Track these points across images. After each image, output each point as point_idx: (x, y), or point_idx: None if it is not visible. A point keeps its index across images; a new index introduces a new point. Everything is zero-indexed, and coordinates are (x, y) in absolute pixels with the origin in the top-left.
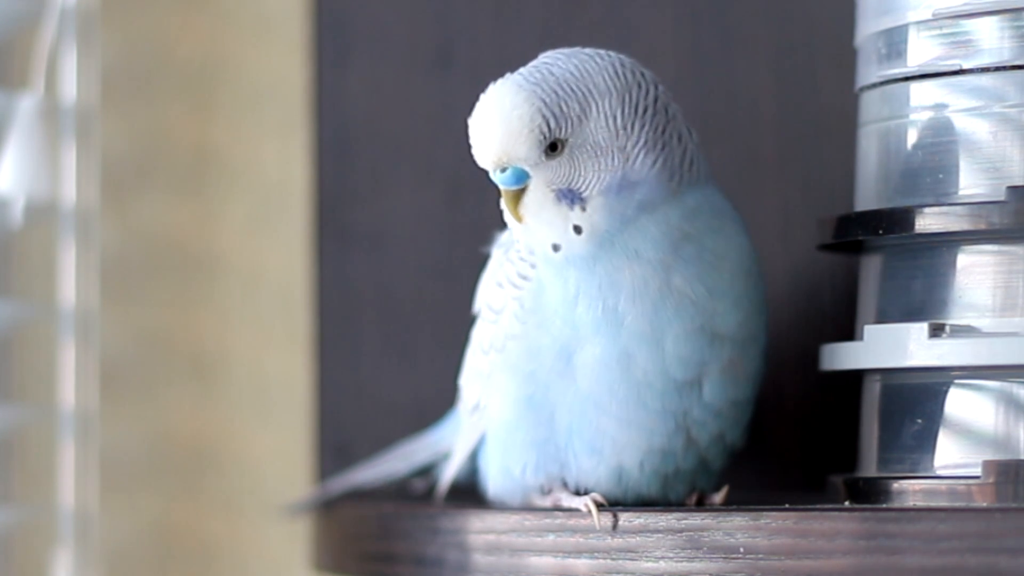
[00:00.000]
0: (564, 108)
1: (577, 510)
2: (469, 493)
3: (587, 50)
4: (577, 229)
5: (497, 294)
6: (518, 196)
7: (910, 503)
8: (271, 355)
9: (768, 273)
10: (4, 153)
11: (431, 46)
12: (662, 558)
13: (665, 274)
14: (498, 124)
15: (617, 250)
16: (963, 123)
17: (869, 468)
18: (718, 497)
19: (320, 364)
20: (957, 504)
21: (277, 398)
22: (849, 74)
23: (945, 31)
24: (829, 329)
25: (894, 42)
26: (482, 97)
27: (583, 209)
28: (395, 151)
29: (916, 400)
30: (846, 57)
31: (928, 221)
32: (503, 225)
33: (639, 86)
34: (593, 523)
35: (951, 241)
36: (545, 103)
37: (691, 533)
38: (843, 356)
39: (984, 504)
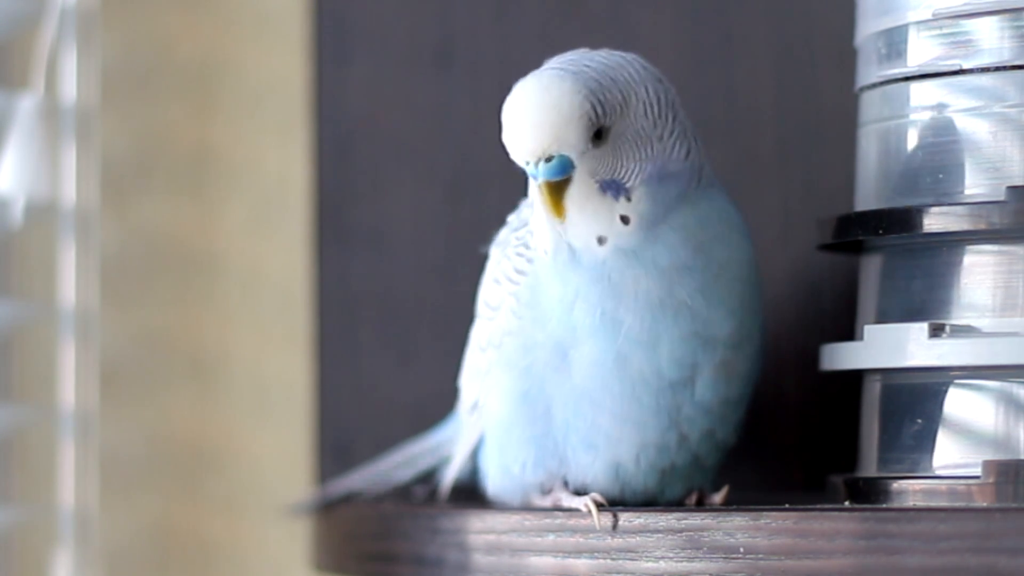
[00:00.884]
0: (608, 95)
1: (577, 510)
2: (470, 493)
3: (605, 50)
4: (624, 219)
5: (494, 291)
6: (559, 190)
7: (910, 503)
8: (271, 355)
9: (768, 273)
10: (4, 153)
11: (431, 46)
12: (662, 558)
13: (670, 285)
14: (547, 111)
15: (630, 258)
16: (963, 123)
17: (869, 468)
18: (718, 497)
19: (320, 364)
20: (957, 504)
21: (277, 398)
22: (849, 74)
23: (945, 31)
24: (829, 329)
25: (894, 42)
26: (517, 90)
27: (628, 199)
28: (395, 151)
29: (916, 400)
30: (846, 57)
31: (928, 221)
32: (503, 223)
33: (660, 82)
34: (593, 523)
35: (951, 241)
36: (591, 89)
37: (691, 533)
38: (843, 356)
39: (984, 504)
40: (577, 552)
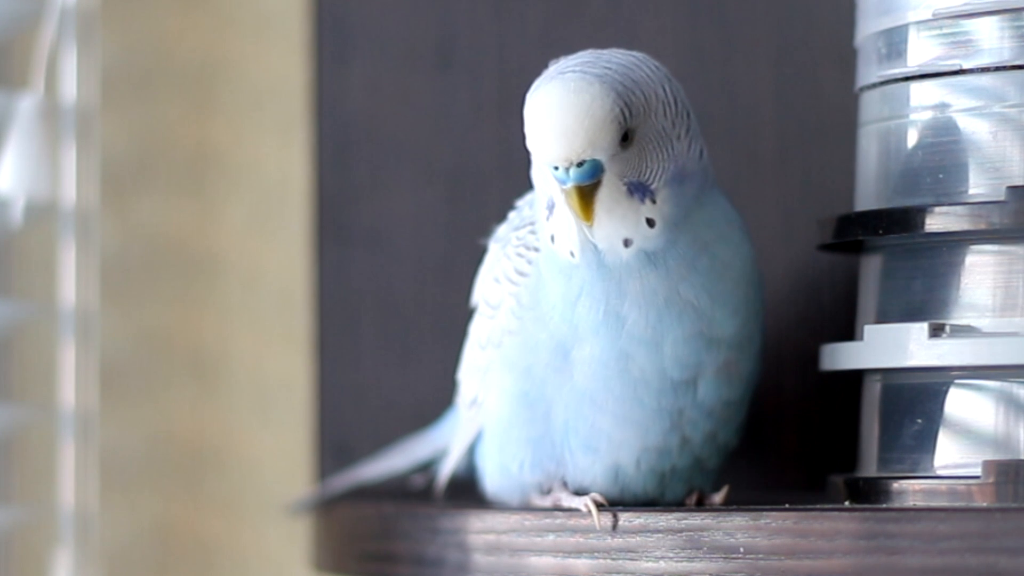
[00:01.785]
0: (633, 97)
1: (577, 510)
2: (469, 492)
3: (611, 50)
4: (650, 222)
5: (494, 289)
6: (589, 193)
7: (910, 503)
8: (271, 355)
9: (768, 273)
10: (4, 153)
11: (431, 46)
12: (662, 558)
13: (675, 284)
14: (580, 116)
15: (644, 257)
16: (963, 123)
17: (869, 468)
18: (718, 497)
19: (320, 364)
20: (957, 504)
21: (277, 398)
22: (849, 74)
23: (945, 31)
24: (829, 329)
25: (894, 42)
26: (543, 93)
27: (653, 201)
28: (395, 151)
29: (916, 400)
30: (846, 57)
31: (928, 221)
32: (502, 222)
33: (670, 80)
34: (593, 523)
35: (951, 241)
36: (618, 92)
37: (691, 533)
38: (843, 356)
39: (984, 504)
40: (577, 552)
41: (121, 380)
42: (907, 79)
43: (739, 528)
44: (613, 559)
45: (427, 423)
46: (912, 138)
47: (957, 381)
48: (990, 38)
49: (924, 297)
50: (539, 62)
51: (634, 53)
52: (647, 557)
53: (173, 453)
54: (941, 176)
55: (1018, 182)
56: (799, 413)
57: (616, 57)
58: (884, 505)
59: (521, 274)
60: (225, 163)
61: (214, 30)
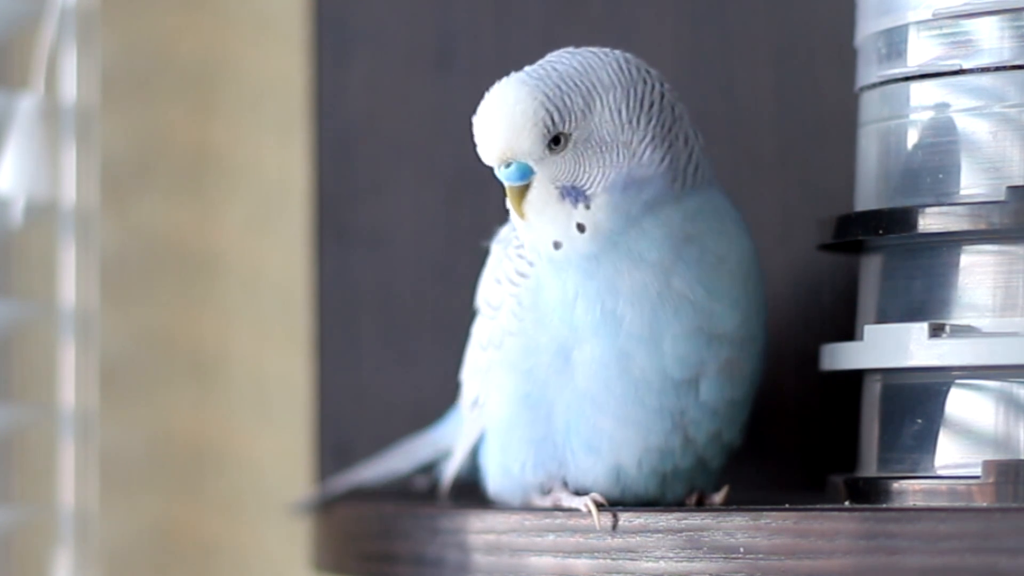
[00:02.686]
0: (567, 102)
1: (577, 510)
2: (471, 491)
3: (593, 48)
4: (580, 227)
5: (496, 291)
6: (522, 192)
7: (910, 503)
8: (271, 355)
9: (768, 273)
10: (4, 153)
11: (431, 46)
12: (662, 558)
13: (666, 277)
14: (501, 118)
15: (620, 252)
16: (963, 123)
17: (869, 468)
18: (718, 497)
19: (320, 364)
20: (957, 504)
21: (277, 398)
22: (849, 74)
23: (945, 31)
24: (829, 329)
25: (894, 42)
26: (486, 95)
27: (587, 207)
28: (395, 151)
29: (916, 400)
30: (846, 57)
31: (928, 221)
32: (503, 223)
33: (644, 82)
34: (593, 523)
35: (951, 241)
36: (548, 97)
37: (691, 533)
38: (843, 356)
39: (984, 504)
40: (577, 552)
41: (121, 380)
42: (907, 79)
43: (739, 528)
44: (613, 559)
45: (427, 423)
46: (912, 138)
47: (957, 381)
48: (990, 38)
49: (924, 297)
50: None
51: (607, 54)
52: (647, 557)
53: (173, 453)
54: (941, 176)
55: (1018, 182)
56: (799, 413)
57: (575, 59)
58: (884, 505)
59: (522, 275)
60: (225, 163)
61: (214, 30)
